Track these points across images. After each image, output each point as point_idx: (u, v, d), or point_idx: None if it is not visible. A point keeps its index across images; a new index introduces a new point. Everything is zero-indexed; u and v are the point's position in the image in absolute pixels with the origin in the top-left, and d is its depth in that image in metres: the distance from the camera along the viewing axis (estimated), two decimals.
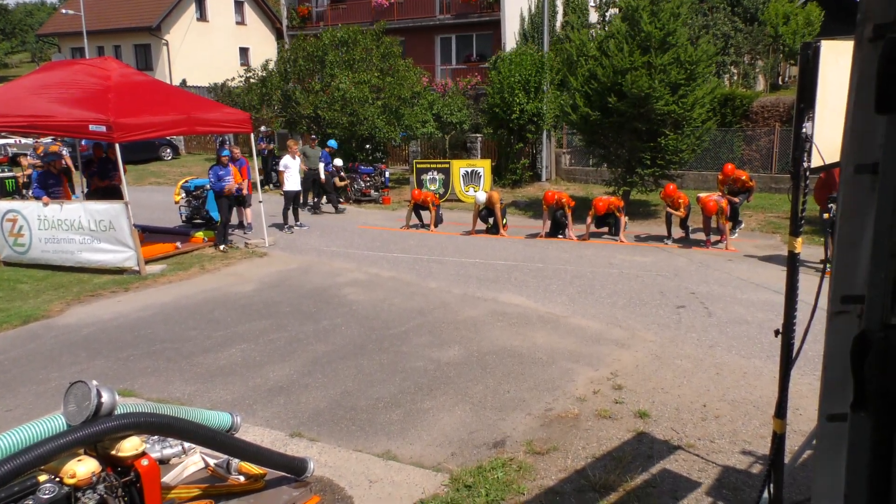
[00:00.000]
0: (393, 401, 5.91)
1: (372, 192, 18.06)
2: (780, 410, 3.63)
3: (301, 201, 15.55)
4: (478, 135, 21.16)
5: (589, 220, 12.44)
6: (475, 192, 17.51)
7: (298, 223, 14.29)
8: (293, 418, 5.64)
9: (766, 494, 3.76)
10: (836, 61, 3.14)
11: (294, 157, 14.24)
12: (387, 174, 18.57)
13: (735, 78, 24.72)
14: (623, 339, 7.30)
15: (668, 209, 12.10)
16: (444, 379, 6.35)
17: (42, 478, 3.09)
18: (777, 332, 3.59)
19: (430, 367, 6.62)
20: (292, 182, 14.06)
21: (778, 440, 3.65)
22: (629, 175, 14.71)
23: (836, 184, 9.46)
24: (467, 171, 17.69)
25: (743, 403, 5.66)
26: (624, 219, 12.50)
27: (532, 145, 19.66)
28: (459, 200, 17.50)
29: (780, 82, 25.87)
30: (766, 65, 24.57)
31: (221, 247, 12.12)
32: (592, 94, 14.24)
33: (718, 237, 11.74)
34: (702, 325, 7.73)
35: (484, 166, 17.68)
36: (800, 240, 3.48)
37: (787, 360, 3.56)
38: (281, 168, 14.17)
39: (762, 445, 4.85)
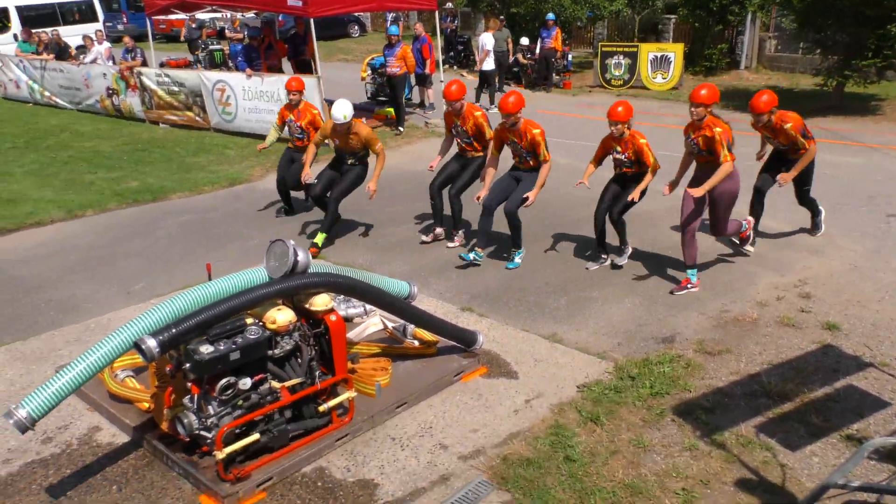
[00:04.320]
0: (561, 287, 5.95)
1: (553, 75, 17.43)
2: None
3: (495, 85, 15.18)
4: (671, 16, 19.42)
5: None
6: (663, 79, 16.36)
7: (492, 105, 14.06)
8: (465, 293, 5.87)
9: None
10: None
11: (492, 37, 14.18)
12: (570, 57, 17.79)
13: None
14: (817, 246, 6.69)
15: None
16: (613, 271, 6.25)
17: (249, 321, 3.50)
18: None
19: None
20: (489, 62, 14.02)
21: None
22: (846, 65, 12.90)
23: None
24: (656, 56, 16.46)
25: None
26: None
27: (733, 28, 17.80)
28: (646, 88, 16.45)
29: None
30: None
31: (400, 128, 12.38)
32: None
33: None
34: None
35: (675, 51, 16.33)
36: None
37: None
38: (487, 47, 14.11)
39: None
